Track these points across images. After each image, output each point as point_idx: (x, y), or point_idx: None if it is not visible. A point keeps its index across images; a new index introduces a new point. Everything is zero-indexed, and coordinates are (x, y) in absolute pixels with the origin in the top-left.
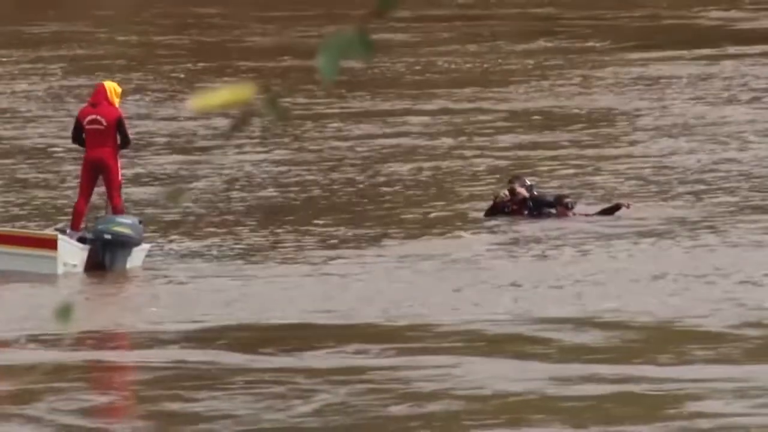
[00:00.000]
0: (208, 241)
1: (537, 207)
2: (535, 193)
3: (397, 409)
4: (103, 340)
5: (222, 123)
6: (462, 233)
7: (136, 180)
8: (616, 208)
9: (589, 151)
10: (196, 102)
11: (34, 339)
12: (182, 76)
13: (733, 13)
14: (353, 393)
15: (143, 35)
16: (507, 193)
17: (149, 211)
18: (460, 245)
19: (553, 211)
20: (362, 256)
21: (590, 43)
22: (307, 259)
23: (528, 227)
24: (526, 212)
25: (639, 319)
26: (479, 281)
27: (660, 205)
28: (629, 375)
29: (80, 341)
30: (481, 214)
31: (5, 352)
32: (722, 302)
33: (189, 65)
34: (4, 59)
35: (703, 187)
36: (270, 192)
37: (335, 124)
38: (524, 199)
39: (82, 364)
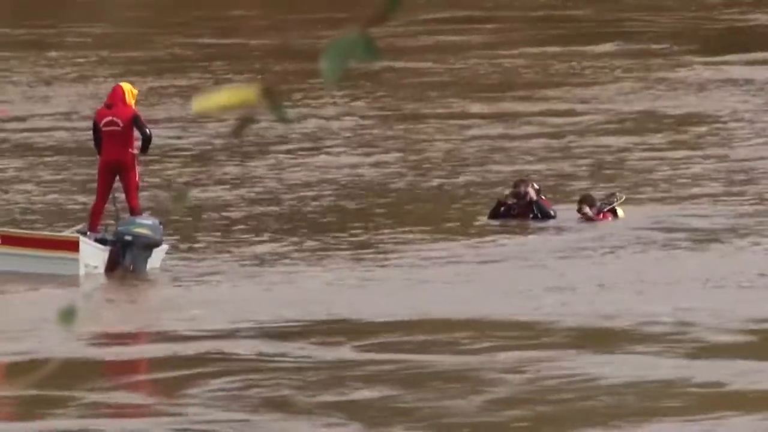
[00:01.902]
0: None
1: (541, 212)
2: (543, 197)
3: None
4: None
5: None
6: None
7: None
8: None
9: (686, 152)
10: (198, 104)
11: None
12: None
13: None
14: (530, 383)
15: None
16: (510, 195)
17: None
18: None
19: (553, 217)
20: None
21: (655, 46)
22: (400, 261)
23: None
24: (531, 215)
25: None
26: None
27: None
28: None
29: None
30: (513, 217)
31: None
32: None
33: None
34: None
35: None
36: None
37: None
38: (531, 202)
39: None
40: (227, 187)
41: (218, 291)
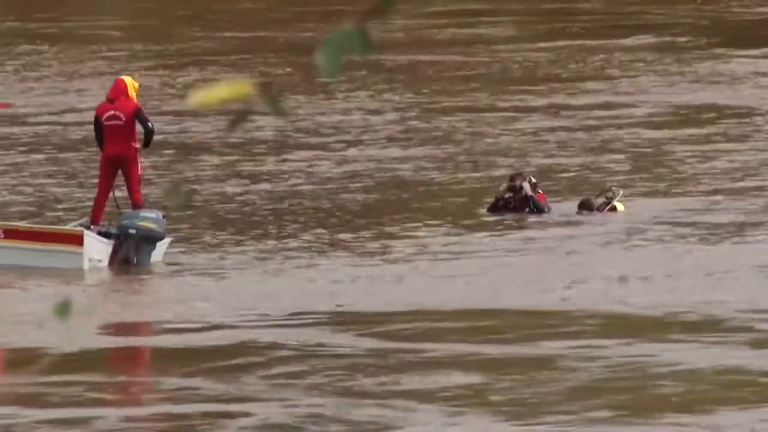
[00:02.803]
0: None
1: (536, 207)
2: (540, 191)
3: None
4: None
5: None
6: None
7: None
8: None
9: (724, 146)
10: (194, 98)
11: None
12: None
13: None
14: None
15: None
16: (506, 189)
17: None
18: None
19: (546, 212)
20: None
21: (681, 38)
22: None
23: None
24: (527, 209)
25: None
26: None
27: None
28: None
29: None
30: (507, 210)
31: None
32: None
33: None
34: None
35: None
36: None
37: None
38: (527, 196)
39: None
40: (259, 180)
41: (258, 282)
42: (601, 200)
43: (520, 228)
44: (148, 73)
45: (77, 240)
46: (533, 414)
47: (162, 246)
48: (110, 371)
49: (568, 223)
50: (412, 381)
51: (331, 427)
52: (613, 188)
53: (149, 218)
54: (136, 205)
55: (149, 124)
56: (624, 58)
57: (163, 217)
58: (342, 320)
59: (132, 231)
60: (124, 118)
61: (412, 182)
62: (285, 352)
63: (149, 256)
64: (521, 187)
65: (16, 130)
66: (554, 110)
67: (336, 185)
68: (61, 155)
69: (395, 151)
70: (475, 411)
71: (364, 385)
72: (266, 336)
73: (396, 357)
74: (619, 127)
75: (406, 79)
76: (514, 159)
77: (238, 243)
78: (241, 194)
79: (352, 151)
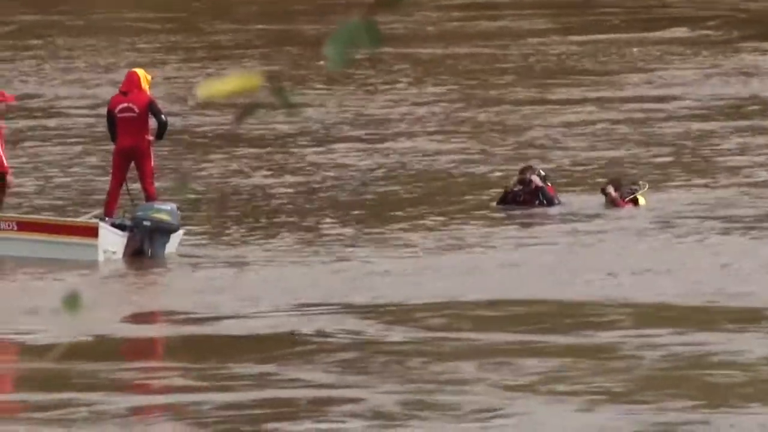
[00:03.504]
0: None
1: (546, 199)
2: (549, 184)
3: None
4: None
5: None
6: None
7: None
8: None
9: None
10: (203, 90)
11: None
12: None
13: None
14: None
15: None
16: (516, 182)
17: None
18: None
19: (556, 204)
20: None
21: (716, 32)
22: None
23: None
24: (537, 202)
25: None
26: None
27: None
28: None
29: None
30: (502, 203)
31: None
32: None
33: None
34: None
35: None
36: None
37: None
38: (537, 189)
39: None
40: (293, 171)
41: (292, 273)
42: (626, 189)
43: (546, 220)
44: (186, 64)
45: (92, 232)
46: (615, 400)
47: (176, 238)
48: (192, 359)
49: (597, 216)
50: (489, 368)
51: (430, 412)
52: (641, 182)
53: (164, 210)
54: (150, 198)
55: (162, 117)
56: (659, 50)
57: (178, 209)
58: (388, 311)
59: (146, 223)
60: (137, 111)
61: (455, 174)
62: (349, 341)
63: (163, 247)
64: (531, 180)
65: (53, 122)
66: (592, 103)
67: (376, 177)
68: (98, 147)
69: (435, 144)
70: (557, 397)
71: (446, 372)
72: (327, 325)
73: (455, 345)
74: (657, 120)
75: (445, 72)
76: (554, 151)
77: (278, 234)
78: (282, 186)
79: (392, 144)
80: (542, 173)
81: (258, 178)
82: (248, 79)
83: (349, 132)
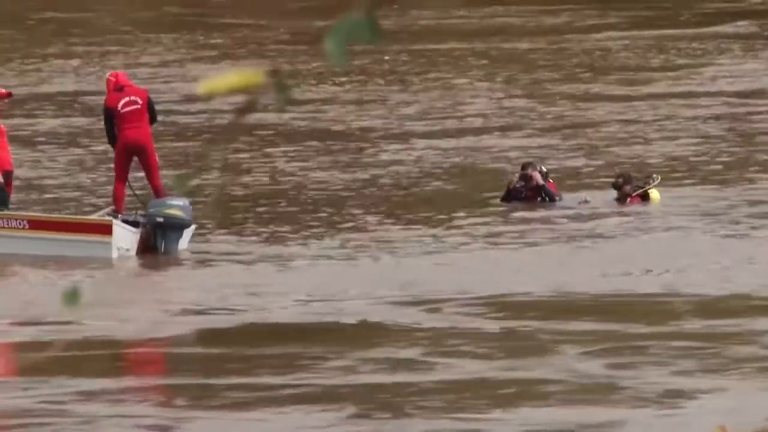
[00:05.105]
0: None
1: (548, 196)
2: (551, 180)
3: None
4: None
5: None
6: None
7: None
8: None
9: None
10: (204, 85)
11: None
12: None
13: None
14: None
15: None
16: (518, 178)
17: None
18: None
19: (558, 200)
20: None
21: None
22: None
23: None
24: (539, 199)
25: None
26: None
27: None
28: None
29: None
30: (509, 200)
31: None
32: None
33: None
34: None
35: None
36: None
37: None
38: (538, 185)
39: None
40: (353, 167)
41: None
42: (637, 184)
43: (580, 217)
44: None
45: (106, 230)
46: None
47: (188, 233)
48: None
49: (634, 211)
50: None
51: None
52: (654, 175)
53: (176, 206)
54: (157, 192)
55: (156, 113)
56: (721, 45)
57: (190, 204)
58: (476, 304)
59: (159, 219)
60: (141, 102)
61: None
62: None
63: (177, 243)
64: (532, 176)
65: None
66: (655, 98)
67: (442, 171)
68: (179, 144)
69: (504, 140)
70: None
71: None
72: (400, 317)
73: (552, 336)
74: (714, 117)
75: (516, 67)
76: (620, 147)
77: (339, 229)
78: (338, 181)
79: (460, 140)
80: (544, 170)
81: (322, 171)
82: (249, 74)
83: (417, 128)
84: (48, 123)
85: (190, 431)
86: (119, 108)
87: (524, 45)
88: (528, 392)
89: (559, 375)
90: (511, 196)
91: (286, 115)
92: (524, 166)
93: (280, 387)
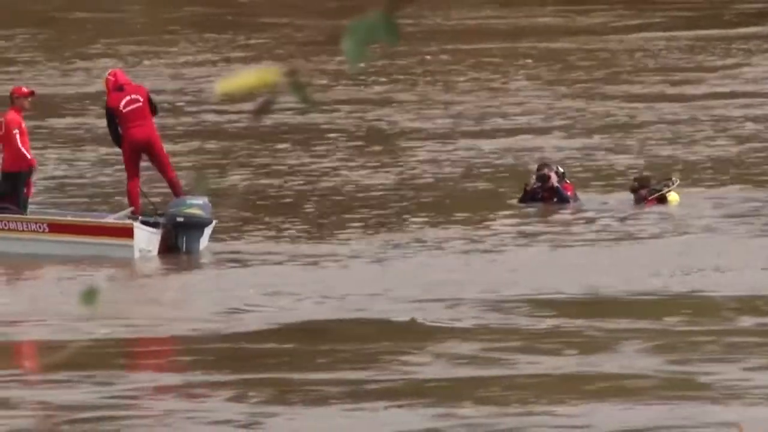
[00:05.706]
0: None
1: (560, 197)
2: (567, 182)
3: None
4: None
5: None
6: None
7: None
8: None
9: None
10: (222, 85)
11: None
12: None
13: None
14: None
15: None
16: (535, 179)
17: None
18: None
19: (573, 202)
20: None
21: None
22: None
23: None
24: (555, 199)
25: None
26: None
27: None
28: None
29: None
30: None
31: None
32: None
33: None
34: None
35: None
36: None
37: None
38: (554, 186)
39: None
40: (389, 168)
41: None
42: (655, 187)
43: (604, 217)
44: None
45: (127, 233)
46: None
47: (208, 231)
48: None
49: (660, 213)
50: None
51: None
52: (673, 178)
53: (196, 204)
54: (173, 184)
55: (156, 106)
56: (763, 45)
57: (209, 202)
58: (527, 304)
59: (180, 219)
60: (142, 99)
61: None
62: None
63: (197, 242)
64: (548, 177)
65: (171, 120)
66: (679, 100)
67: (487, 171)
68: (215, 144)
69: (549, 139)
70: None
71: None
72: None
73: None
74: (749, 119)
75: (559, 68)
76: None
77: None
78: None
79: (501, 140)
80: (560, 170)
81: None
82: (266, 74)
83: (471, 127)
84: (93, 122)
85: (273, 428)
86: (121, 107)
87: (564, 45)
88: (617, 387)
89: (627, 371)
90: (528, 197)
91: (326, 116)
92: (540, 167)
93: (363, 382)
